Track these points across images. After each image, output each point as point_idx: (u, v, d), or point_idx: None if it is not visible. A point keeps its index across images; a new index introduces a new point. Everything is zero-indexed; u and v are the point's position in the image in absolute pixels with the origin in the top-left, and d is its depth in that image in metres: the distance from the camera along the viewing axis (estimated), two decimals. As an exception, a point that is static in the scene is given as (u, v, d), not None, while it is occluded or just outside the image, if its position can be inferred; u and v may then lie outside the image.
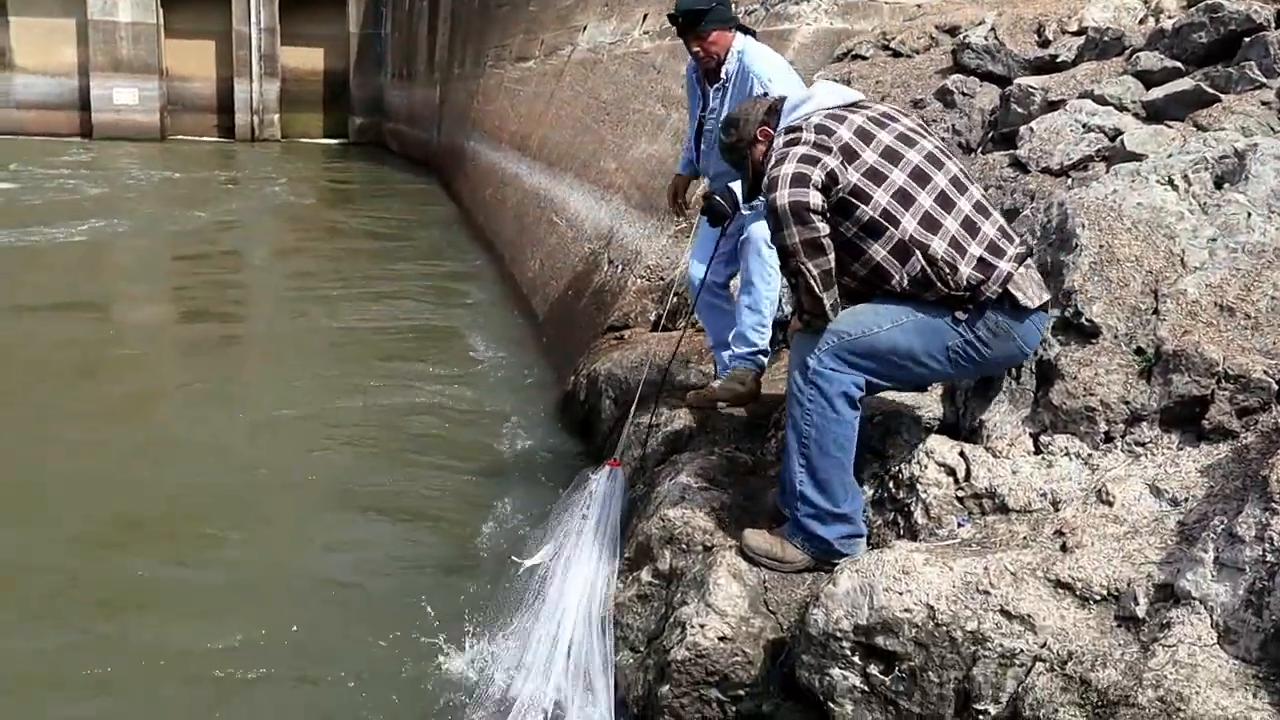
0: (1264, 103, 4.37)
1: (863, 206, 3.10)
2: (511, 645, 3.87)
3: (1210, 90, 4.51)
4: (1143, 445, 3.08)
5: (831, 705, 2.86)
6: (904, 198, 3.11)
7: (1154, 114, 4.68)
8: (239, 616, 4.44)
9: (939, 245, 3.09)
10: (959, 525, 3.16)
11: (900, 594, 2.78)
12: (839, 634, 2.84)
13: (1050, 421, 3.23)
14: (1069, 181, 4.48)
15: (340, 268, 12.57)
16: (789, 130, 3.22)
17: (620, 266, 8.04)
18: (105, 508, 5.51)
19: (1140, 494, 2.92)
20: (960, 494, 3.23)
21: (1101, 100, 4.87)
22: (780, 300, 4.65)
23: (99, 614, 4.53)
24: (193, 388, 7.64)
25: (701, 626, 3.22)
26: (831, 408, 3.18)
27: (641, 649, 3.60)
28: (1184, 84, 4.64)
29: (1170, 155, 3.80)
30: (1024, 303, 3.10)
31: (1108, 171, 3.97)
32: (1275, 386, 2.93)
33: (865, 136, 3.15)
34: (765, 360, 4.48)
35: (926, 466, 3.33)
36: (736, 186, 4.13)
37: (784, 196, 3.03)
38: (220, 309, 10.57)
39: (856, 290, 3.23)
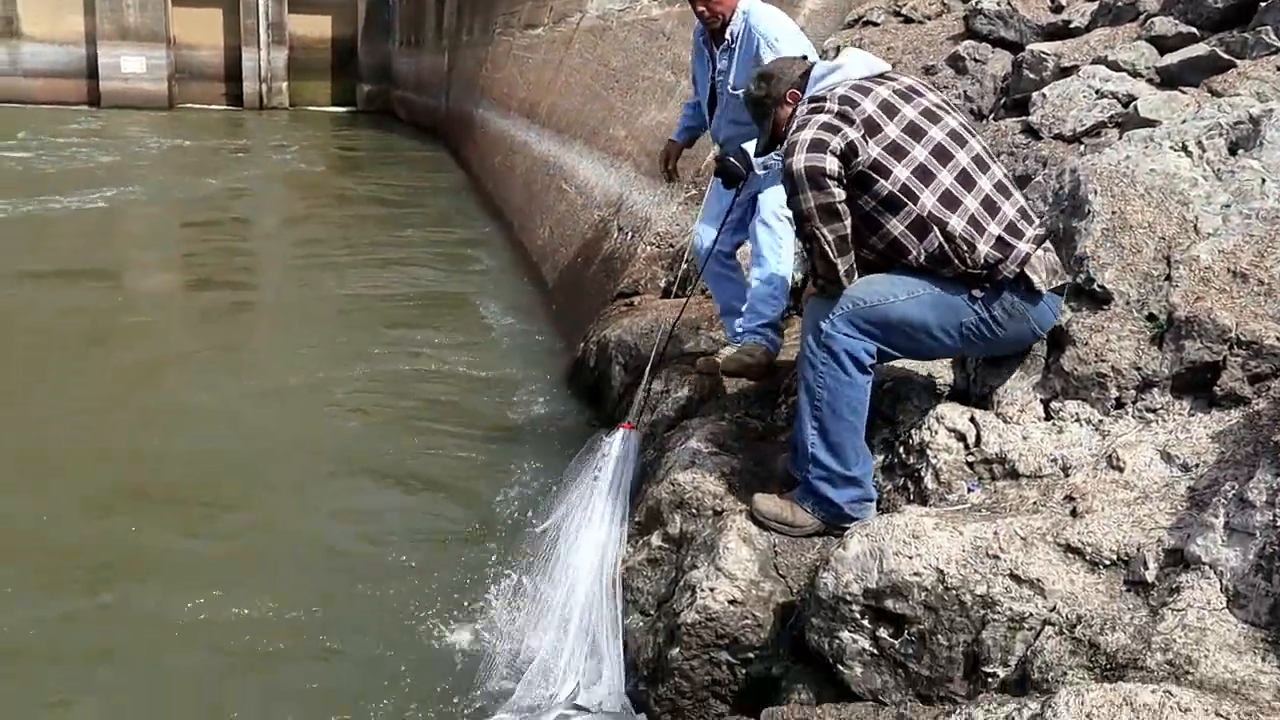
0: (1279, 68, 4.33)
1: (882, 181, 3.09)
2: (523, 609, 3.89)
3: (1225, 55, 4.46)
4: (1154, 411, 3.07)
5: (841, 668, 2.88)
6: (924, 174, 3.10)
7: (1168, 80, 4.64)
8: (245, 586, 4.42)
9: (957, 223, 3.08)
10: (969, 490, 3.17)
11: (910, 558, 2.79)
12: (849, 597, 2.85)
13: (1061, 388, 3.23)
14: (1081, 148, 4.45)
15: (349, 235, 12.57)
16: (813, 100, 3.20)
17: (630, 233, 8.03)
18: (112, 475, 5.51)
19: (1151, 460, 2.92)
20: (970, 459, 3.24)
21: (1115, 66, 4.83)
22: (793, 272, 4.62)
23: (102, 583, 4.50)
24: (202, 355, 7.65)
25: (711, 590, 3.24)
26: (844, 371, 3.18)
27: (651, 612, 3.62)
28: (1199, 49, 4.60)
29: (1184, 121, 3.78)
30: (1038, 285, 3.10)
31: (1121, 138, 3.94)
32: (1288, 352, 2.92)
33: (889, 110, 3.14)
34: (777, 336, 4.41)
35: (937, 432, 3.33)
36: (750, 148, 4.11)
37: (800, 161, 3.03)
38: (230, 276, 10.58)
39: (874, 263, 3.23)
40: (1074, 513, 2.81)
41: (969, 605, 2.69)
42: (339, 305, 9.27)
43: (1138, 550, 2.62)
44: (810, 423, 3.25)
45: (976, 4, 6.47)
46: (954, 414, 3.35)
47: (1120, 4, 5.58)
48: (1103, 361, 3.15)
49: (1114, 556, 2.65)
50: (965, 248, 3.08)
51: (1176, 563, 2.54)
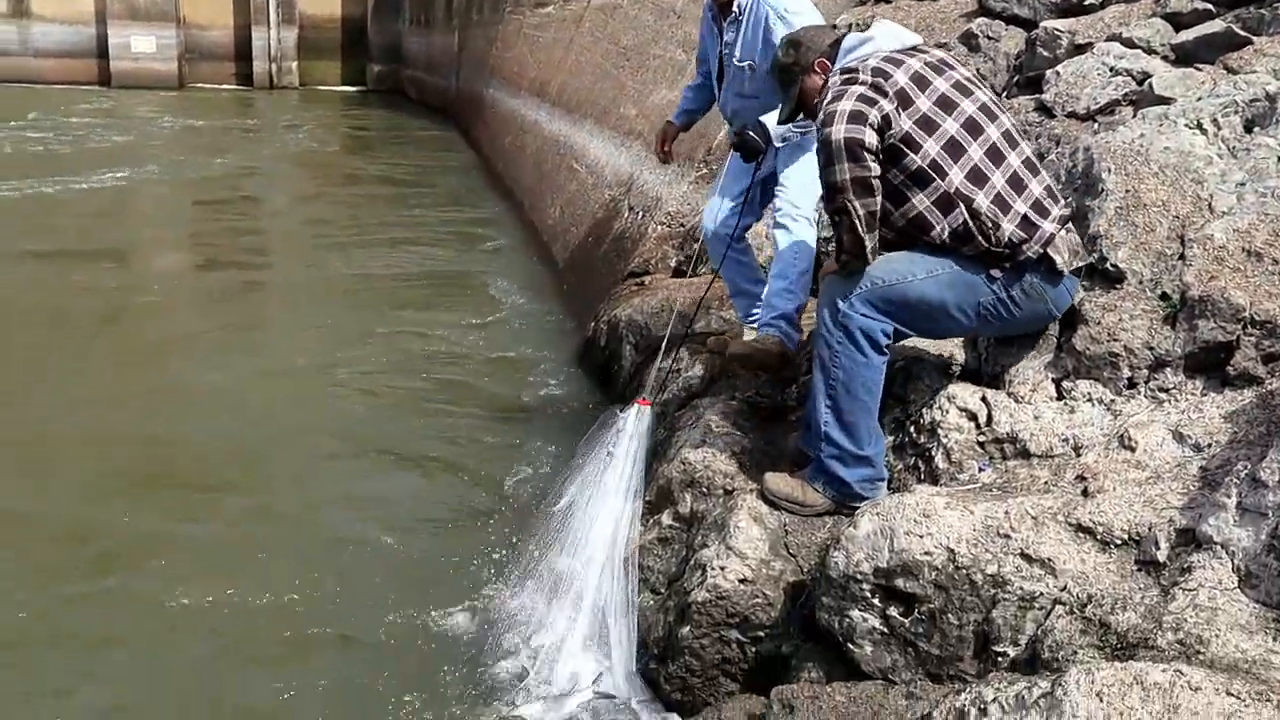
0: (1296, 45, 4.29)
1: (912, 155, 3.06)
2: (536, 589, 3.89)
3: (1241, 32, 4.42)
4: (1166, 391, 3.06)
5: (851, 647, 2.88)
6: (954, 148, 3.06)
7: (1183, 57, 4.60)
8: (252, 569, 4.35)
9: (983, 200, 3.05)
10: (980, 470, 3.16)
11: (921, 537, 2.79)
12: (859, 576, 2.86)
13: (1073, 367, 3.22)
14: (1095, 126, 4.42)
15: (359, 214, 12.57)
16: (845, 71, 3.16)
17: (641, 213, 8.02)
18: (117, 458, 5.46)
19: (1163, 439, 2.91)
20: (981, 439, 3.23)
21: (1129, 43, 4.80)
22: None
23: (106, 568, 4.43)
24: (212, 335, 7.64)
25: (722, 569, 3.25)
26: (859, 351, 3.17)
27: (662, 591, 3.63)
28: (1214, 26, 4.56)
29: (1199, 99, 3.75)
30: (1060, 266, 3.08)
31: (1135, 115, 3.92)
32: (1302, 332, 2.91)
33: (921, 83, 3.10)
34: (792, 329, 4.23)
35: (948, 411, 3.32)
36: (769, 120, 4.07)
37: (840, 131, 2.99)
38: (240, 256, 10.58)
39: (893, 242, 3.19)
40: (1085, 492, 2.81)
41: (979, 584, 2.69)
42: (348, 284, 9.27)
43: (1149, 530, 2.61)
44: (824, 401, 3.25)
45: (990, -19, 6.40)
46: (965, 393, 3.35)
47: (1135, -19, 5.53)
48: (1115, 341, 3.14)
49: (1125, 536, 2.64)
50: (990, 225, 3.05)
51: (1188, 543, 2.54)
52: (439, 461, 5.58)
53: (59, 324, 7.69)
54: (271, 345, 7.45)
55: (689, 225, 6.87)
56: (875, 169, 3.01)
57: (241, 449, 5.60)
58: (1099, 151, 3.45)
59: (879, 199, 3.04)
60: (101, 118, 21.78)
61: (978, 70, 5.70)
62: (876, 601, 2.85)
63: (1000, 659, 2.65)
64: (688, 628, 3.27)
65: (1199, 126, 3.47)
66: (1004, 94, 5.52)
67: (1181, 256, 3.16)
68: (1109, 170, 3.38)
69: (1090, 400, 3.14)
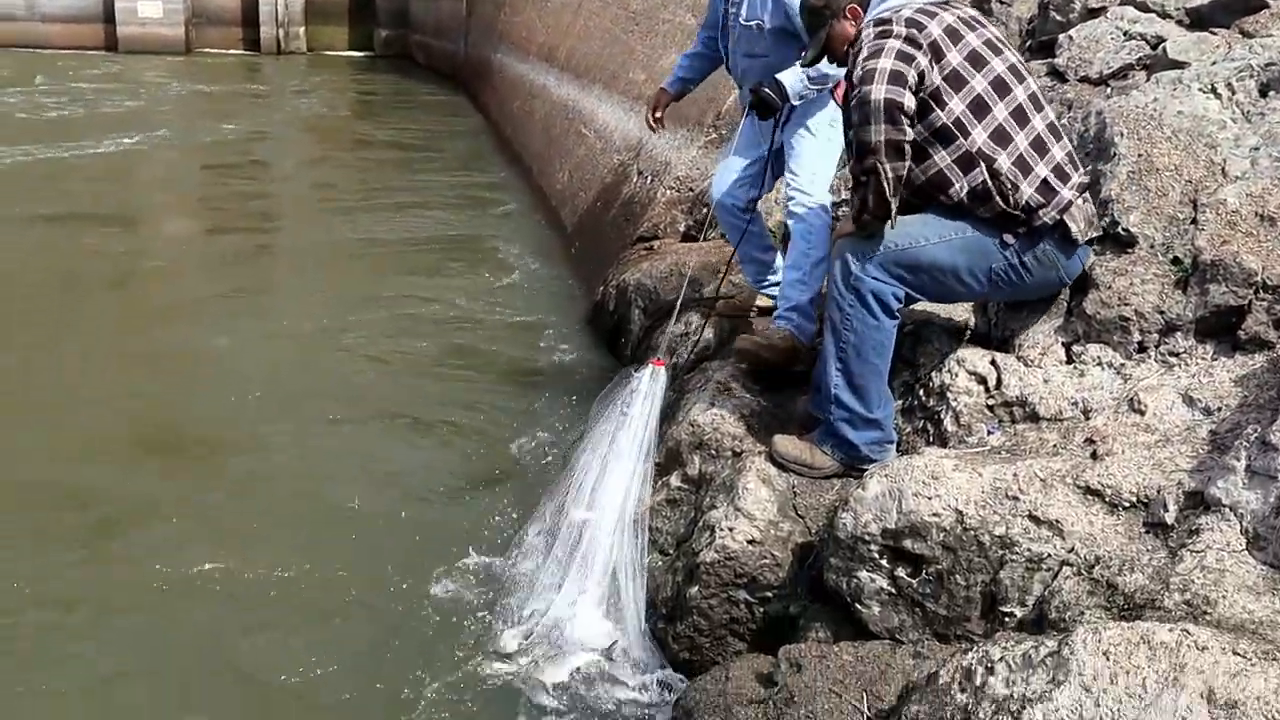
0: (1313, 9, 4.26)
1: (938, 111, 3.03)
2: (546, 548, 3.89)
3: (1257, -4, 4.39)
4: (1176, 355, 3.06)
5: (858, 607, 2.90)
6: (980, 107, 3.03)
7: (1198, 20, 4.57)
8: (258, 535, 4.32)
9: (1005, 161, 3.03)
10: (989, 433, 3.17)
11: (929, 499, 2.80)
12: (867, 537, 2.87)
13: (1083, 331, 3.22)
14: (1108, 90, 4.39)
15: (368, 179, 12.53)
16: (879, 23, 3.09)
17: (650, 177, 7.99)
18: (124, 422, 5.44)
19: (1173, 403, 2.92)
20: (990, 402, 3.24)
21: (1143, 7, 4.76)
22: None
23: (108, 532, 4.41)
24: (221, 299, 7.60)
25: (730, 530, 3.26)
26: (871, 314, 3.17)
27: (671, 552, 3.65)
28: (1230, -11, 4.53)
29: (1214, 63, 3.72)
30: (1075, 235, 3.07)
31: (1149, 80, 3.89)
32: (1314, 296, 2.90)
33: (954, 36, 3.06)
34: (806, 321, 4.12)
35: (957, 375, 3.33)
36: (786, 78, 4.03)
37: (880, 91, 2.93)
38: (249, 221, 10.54)
39: (908, 202, 3.15)
40: (1094, 455, 2.82)
41: (987, 546, 2.71)
42: (357, 249, 9.25)
43: (1158, 493, 2.62)
44: (834, 364, 3.25)
45: (1003, -56, 6.35)
46: (975, 357, 3.35)
47: (1150, -56, 5.48)
48: (1126, 305, 3.13)
49: (1134, 498, 2.65)
50: (1009, 187, 3.03)
51: (1196, 505, 2.55)
52: (446, 425, 5.58)
53: (68, 288, 7.67)
54: (279, 309, 7.42)
55: (698, 190, 6.85)
56: (909, 134, 2.97)
57: (248, 413, 5.56)
58: (1111, 116, 3.44)
59: (908, 164, 3.00)
60: (109, 83, 21.67)
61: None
62: (884, 562, 2.86)
63: (1007, 619, 2.66)
64: (696, 588, 3.29)
65: (1213, 91, 3.45)
66: (1017, 58, 5.49)
67: (1194, 221, 3.15)
68: (1121, 134, 3.36)
69: (1100, 364, 3.14)
